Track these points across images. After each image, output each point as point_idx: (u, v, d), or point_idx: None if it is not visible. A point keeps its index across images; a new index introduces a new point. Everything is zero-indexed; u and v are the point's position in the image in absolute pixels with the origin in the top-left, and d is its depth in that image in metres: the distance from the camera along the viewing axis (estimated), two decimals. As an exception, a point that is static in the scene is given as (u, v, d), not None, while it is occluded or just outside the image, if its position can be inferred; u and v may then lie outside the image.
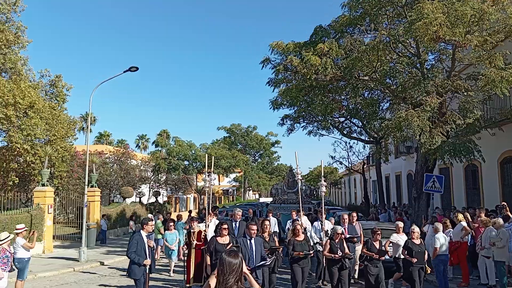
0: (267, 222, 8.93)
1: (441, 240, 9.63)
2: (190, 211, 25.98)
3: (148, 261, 7.57)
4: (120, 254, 15.92)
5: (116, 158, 32.11)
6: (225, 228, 7.94)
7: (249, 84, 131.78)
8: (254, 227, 7.37)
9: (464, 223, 10.62)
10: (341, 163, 34.29)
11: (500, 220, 9.53)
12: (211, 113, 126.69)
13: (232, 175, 60.46)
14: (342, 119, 23.03)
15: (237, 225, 10.03)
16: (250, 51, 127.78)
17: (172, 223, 13.15)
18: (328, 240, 8.83)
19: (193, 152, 35.53)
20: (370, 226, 11.13)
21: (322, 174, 10.70)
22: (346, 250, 8.74)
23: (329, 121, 21.50)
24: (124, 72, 16.37)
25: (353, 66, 13.86)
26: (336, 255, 8.47)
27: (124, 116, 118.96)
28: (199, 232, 9.46)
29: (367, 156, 33.70)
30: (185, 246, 9.70)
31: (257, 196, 73.80)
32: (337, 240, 8.70)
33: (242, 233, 9.46)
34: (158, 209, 31.50)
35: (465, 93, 13.30)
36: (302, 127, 22.94)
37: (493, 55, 12.31)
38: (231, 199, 66.05)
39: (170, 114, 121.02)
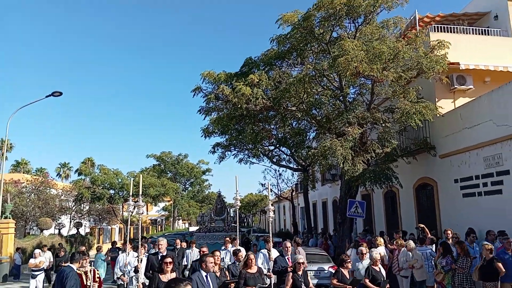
0: (217, 253, 7.83)
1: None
2: (113, 242, 24.76)
3: None
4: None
5: (34, 187, 29.96)
6: (169, 263, 6.53)
7: (180, 111, 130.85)
8: (212, 260, 6.34)
9: (381, 249, 11.23)
10: (271, 190, 34.91)
11: (411, 243, 10.24)
12: (140, 141, 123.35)
13: (161, 204, 58.84)
14: (271, 148, 23.65)
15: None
16: (182, 78, 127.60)
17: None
18: (290, 274, 7.56)
19: (120, 180, 34.21)
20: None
21: (269, 198, 9.60)
22: (311, 284, 7.74)
23: (259, 149, 21.96)
24: (47, 97, 15.69)
25: (282, 97, 14.45)
26: None
27: (44, 144, 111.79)
28: (93, 272, 7.72)
29: (295, 184, 34.67)
30: None
31: (186, 225, 72.29)
32: (300, 272, 7.55)
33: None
34: (80, 240, 29.71)
35: (383, 124, 14.37)
36: (233, 155, 23.24)
37: (407, 90, 13.54)
38: (159, 229, 63.96)
39: (95, 141, 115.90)
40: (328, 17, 13.90)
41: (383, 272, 8.58)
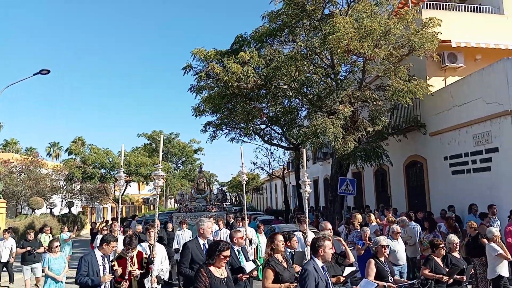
0: (280, 238, 5.44)
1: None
2: (106, 221, 24.81)
3: (107, 277, 5.74)
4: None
5: (24, 167, 29.77)
6: (228, 257, 4.61)
7: (171, 90, 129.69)
8: (331, 244, 4.80)
9: (375, 224, 11.39)
10: (262, 169, 35.11)
11: (404, 219, 10.35)
12: (131, 119, 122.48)
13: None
14: (263, 126, 23.59)
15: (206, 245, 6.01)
16: (172, 57, 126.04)
17: (58, 243, 8.80)
18: (372, 260, 6.05)
19: (111, 159, 34.07)
20: (291, 229, 11.37)
21: (305, 167, 7.12)
22: (397, 276, 6.30)
23: (251, 128, 21.90)
24: (34, 75, 15.42)
25: (273, 75, 14.35)
26: (390, 284, 5.82)
27: (34, 123, 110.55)
28: (139, 255, 6.32)
29: (287, 162, 34.81)
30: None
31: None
32: (382, 259, 6.09)
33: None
34: (72, 220, 29.75)
35: (374, 103, 14.39)
36: (224, 134, 23.10)
37: (398, 68, 13.51)
38: (152, 208, 64.21)
39: (86, 120, 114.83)
40: (320, -8, 13.72)
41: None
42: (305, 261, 6.08)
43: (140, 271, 6.10)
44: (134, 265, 6.06)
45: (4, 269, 12.15)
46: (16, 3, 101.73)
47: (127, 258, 5.98)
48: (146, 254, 6.46)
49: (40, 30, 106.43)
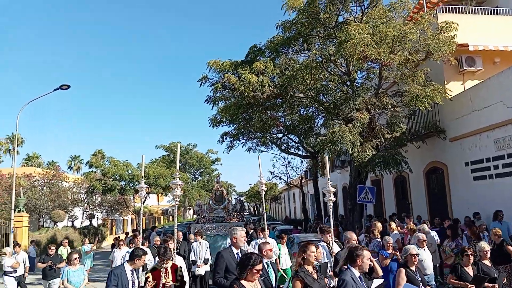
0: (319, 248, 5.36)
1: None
2: (127, 233, 25.01)
3: None
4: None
5: (45, 180, 30.34)
6: (260, 270, 4.40)
7: (188, 102, 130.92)
8: (369, 255, 4.71)
9: (396, 232, 11.19)
10: (280, 178, 34.98)
11: (425, 226, 10.18)
12: (149, 132, 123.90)
13: (172, 194, 58.98)
14: (280, 135, 23.54)
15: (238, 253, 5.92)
16: (188, 68, 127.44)
17: (76, 255, 8.67)
18: (402, 269, 5.91)
19: (130, 172, 34.46)
20: (310, 238, 11.36)
21: (328, 175, 7.25)
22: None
23: (268, 137, 21.87)
24: (55, 90, 15.78)
25: (289, 84, 14.36)
26: None
27: (55, 137, 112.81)
28: (174, 266, 6.05)
29: (304, 171, 34.61)
30: None
31: (197, 215, 72.58)
32: (413, 268, 5.96)
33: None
34: (93, 232, 30.10)
35: (392, 109, 14.23)
36: (241, 143, 23.12)
37: (415, 73, 13.37)
38: (171, 219, 64.55)
39: (105, 134, 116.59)
40: (334, 0, 13.72)
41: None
42: (330, 272, 6.20)
43: (175, 283, 5.86)
44: (168, 277, 5.81)
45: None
46: (36, 22, 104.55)
47: (162, 270, 5.75)
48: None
49: (56, 42, 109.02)
